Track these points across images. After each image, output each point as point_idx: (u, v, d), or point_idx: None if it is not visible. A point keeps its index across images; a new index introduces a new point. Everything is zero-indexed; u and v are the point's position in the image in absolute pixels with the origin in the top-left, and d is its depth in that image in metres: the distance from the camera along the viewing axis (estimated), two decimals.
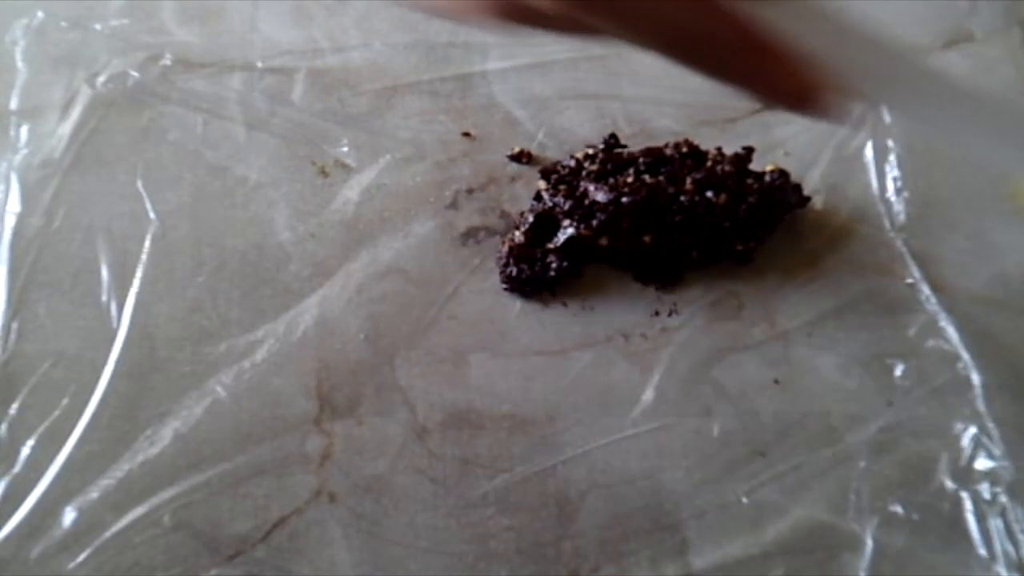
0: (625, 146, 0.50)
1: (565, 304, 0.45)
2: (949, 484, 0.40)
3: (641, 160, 0.48)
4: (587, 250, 0.46)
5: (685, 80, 0.54)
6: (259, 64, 0.54)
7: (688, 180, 0.46)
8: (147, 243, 0.46)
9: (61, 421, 0.41)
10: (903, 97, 0.27)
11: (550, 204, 0.47)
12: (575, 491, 0.40)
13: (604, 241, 0.46)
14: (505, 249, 0.46)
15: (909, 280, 0.46)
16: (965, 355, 0.43)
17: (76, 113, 0.51)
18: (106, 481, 0.39)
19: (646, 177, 0.46)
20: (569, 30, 0.28)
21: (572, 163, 0.49)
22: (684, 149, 0.48)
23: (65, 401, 0.41)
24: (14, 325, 0.43)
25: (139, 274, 0.45)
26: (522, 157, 0.50)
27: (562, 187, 0.48)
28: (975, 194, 0.49)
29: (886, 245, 0.47)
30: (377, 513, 0.39)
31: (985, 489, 0.40)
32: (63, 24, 0.55)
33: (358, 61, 0.55)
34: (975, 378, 0.43)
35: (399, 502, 0.39)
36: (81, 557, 0.37)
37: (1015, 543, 0.38)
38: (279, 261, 0.46)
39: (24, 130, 0.50)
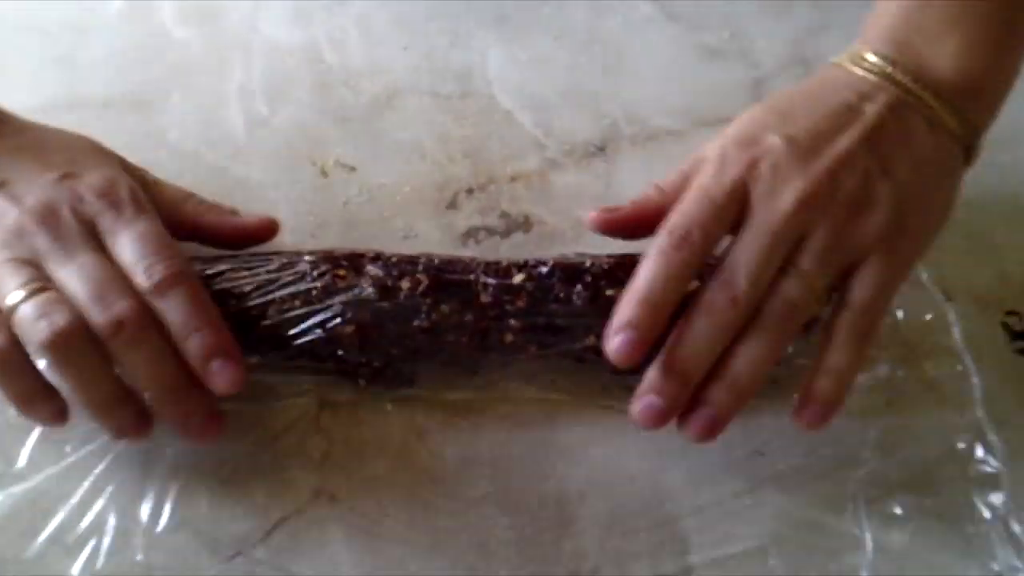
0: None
1: None
2: (949, 484, 0.40)
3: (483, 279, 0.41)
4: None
5: (685, 80, 0.55)
6: (259, 64, 0.54)
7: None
8: None
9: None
10: None
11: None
12: (575, 491, 0.40)
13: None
14: None
15: (909, 281, 0.46)
16: (965, 355, 0.43)
17: (77, 113, 0.51)
18: (106, 481, 0.39)
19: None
20: None
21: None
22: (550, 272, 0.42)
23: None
24: None
25: None
26: None
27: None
28: (975, 194, 0.49)
29: None
30: (377, 513, 0.39)
31: (985, 489, 0.40)
32: (63, 24, 0.55)
33: (358, 61, 0.55)
34: (975, 378, 0.43)
35: (399, 502, 0.39)
36: (81, 557, 0.37)
37: (1015, 543, 0.38)
38: None
39: None
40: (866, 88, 0.40)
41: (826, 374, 0.37)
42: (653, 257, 0.36)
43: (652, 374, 0.37)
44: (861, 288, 0.37)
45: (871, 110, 0.39)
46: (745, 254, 0.36)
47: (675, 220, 0.37)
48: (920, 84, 0.39)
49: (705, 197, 0.37)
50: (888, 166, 0.38)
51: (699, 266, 0.37)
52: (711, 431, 0.37)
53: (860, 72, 0.40)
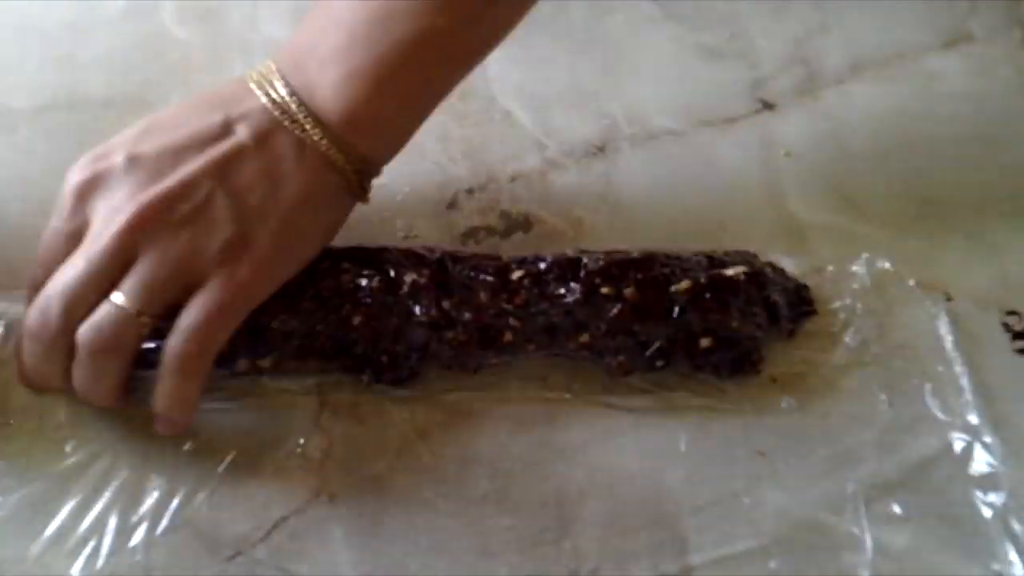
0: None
1: None
2: (949, 484, 0.40)
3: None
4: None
5: (685, 80, 0.55)
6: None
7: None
8: None
9: (62, 421, 0.41)
10: None
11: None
12: (575, 491, 0.40)
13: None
14: None
15: (909, 281, 0.46)
16: (965, 355, 0.43)
17: (77, 113, 0.51)
18: (106, 481, 0.39)
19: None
20: None
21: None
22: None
23: (66, 401, 0.41)
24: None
25: None
26: None
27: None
28: (975, 194, 0.49)
29: (886, 245, 0.47)
30: (377, 513, 0.39)
31: (985, 489, 0.40)
32: (63, 24, 0.55)
33: None
34: (975, 378, 0.43)
35: (399, 502, 0.39)
36: (81, 557, 0.37)
37: (1015, 543, 0.38)
38: None
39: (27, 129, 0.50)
40: (247, 108, 0.38)
41: (162, 396, 0.37)
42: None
43: None
44: (189, 314, 0.36)
45: (239, 133, 0.38)
46: (63, 279, 0.36)
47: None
48: (303, 111, 0.38)
49: (52, 231, 0.38)
50: (240, 191, 0.37)
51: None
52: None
53: (255, 88, 0.39)
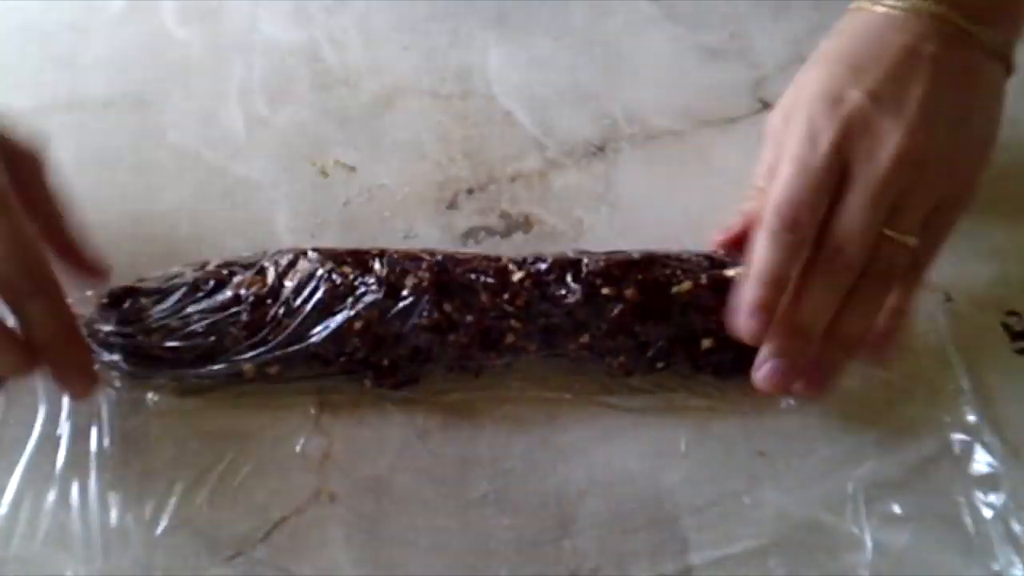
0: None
1: None
2: (949, 484, 0.40)
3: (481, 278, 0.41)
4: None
5: (685, 80, 0.55)
6: (259, 64, 0.54)
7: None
8: (148, 243, 0.46)
9: (62, 421, 0.41)
10: None
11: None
12: (575, 491, 0.40)
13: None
14: None
15: None
16: (965, 355, 0.43)
17: (76, 113, 0.51)
18: (106, 481, 0.39)
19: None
20: None
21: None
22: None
23: (66, 400, 0.41)
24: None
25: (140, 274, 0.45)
26: None
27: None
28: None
29: None
30: (377, 513, 0.39)
31: (984, 489, 0.40)
32: (63, 24, 0.55)
33: (358, 61, 0.55)
34: (975, 378, 0.43)
35: (399, 502, 0.39)
36: (81, 557, 0.37)
37: (1015, 543, 0.38)
38: None
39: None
40: (912, 25, 0.39)
41: (892, 314, 0.40)
42: (768, 240, 0.37)
43: (775, 340, 0.38)
44: (931, 235, 0.39)
45: (929, 49, 0.39)
46: (854, 219, 0.37)
47: (780, 197, 0.37)
48: (948, 5, 0.39)
49: (804, 170, 0.37)
50: (963, 105, 0.39)
51: (811, 239, 0.37)
52: (828, 387, 0.39)
53: (889, 11, 0.40)
